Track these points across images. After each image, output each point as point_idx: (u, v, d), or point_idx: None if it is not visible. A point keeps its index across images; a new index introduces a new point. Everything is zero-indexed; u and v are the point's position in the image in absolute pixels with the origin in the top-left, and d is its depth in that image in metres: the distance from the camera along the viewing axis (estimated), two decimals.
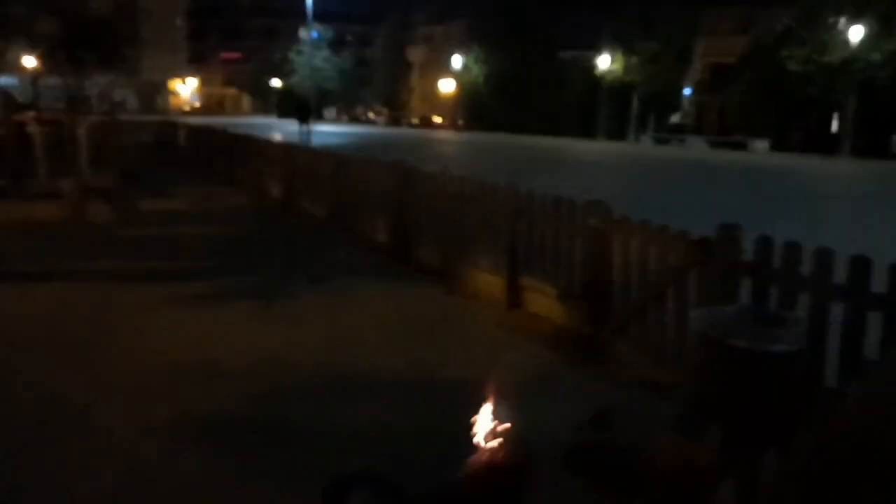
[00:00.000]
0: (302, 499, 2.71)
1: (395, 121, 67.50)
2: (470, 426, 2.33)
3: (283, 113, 68.11)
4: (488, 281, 5.98)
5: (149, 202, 10.61)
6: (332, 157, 9.53)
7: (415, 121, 66.66)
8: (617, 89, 45.52)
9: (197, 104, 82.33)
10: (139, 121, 23.01)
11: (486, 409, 2.32)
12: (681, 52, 45.32)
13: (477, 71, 55.20)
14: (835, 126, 37.53)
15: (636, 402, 3.78)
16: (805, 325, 3.17)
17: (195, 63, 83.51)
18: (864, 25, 32.98)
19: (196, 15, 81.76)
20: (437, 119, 64.78)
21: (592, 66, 46.92)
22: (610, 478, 2.91)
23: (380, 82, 68.30)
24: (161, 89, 79.63)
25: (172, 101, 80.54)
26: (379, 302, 5.84)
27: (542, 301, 5.38)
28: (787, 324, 2.95)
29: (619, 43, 44.26)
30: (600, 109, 47.38)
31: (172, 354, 4.42)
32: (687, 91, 49.79)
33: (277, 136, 19.90)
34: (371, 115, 73.23)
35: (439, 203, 6.80)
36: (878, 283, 3.15)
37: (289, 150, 11.26)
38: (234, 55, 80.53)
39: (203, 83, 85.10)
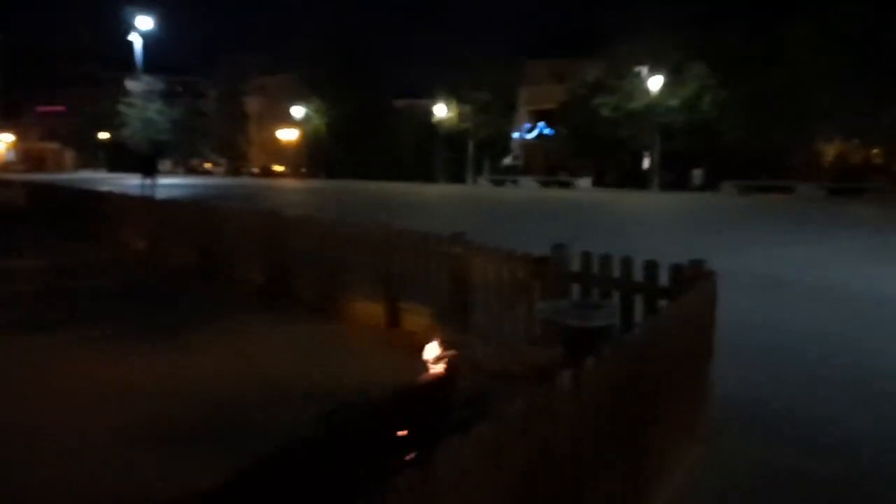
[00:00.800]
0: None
1: (234, 171, 66.64)
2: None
3: (115, 167, 65.11)
4: (368, 308, 6.91)
5: (13, 260, 10.51)
6: (203, 207, 10.06)
7: (255, 170, 66.23)
8: (453, 135, 48.29)
9: (15, 161, 76.24)
10: None
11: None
12: (508, 101, 49.05)
13: (318, 120, 56.21)
14: (645, 164, 42.28)
15: (494, 388, 4.86)
16: (616, 309, 4.45)
17: (9, 118, 77.50)
18: (661, 76, 37.78)
19: (7, 65, 76.20)
20: (278, 168, 64.83)
21: (429, 114, 49.52)
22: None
23: (217, 133, 67.23)
24: None
25: None
26: (271, 333, 6.55)
27: (418, 320, 6.39)
28: (604, 309, 4.20)
29: (452, 93, 47.13)
30: (438, 155, 49.92)
31: (99, 384, 4.95)
32: (515, 135, 53.78)
33: (121, 191, 19.60)
34: (207, 165, 71.74)
35: (317, 243, 7.67)
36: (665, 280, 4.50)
37: (154, 203, 11.56)
38: (55, 108, 75.77)
39: (20, 138, 79.08)
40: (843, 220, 20.22)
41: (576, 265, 5.07)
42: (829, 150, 38.05)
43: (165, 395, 4.77)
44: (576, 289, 5.05)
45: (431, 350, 3.43)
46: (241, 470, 2.72)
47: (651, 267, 4.61)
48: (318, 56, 55.84)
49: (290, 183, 46.90)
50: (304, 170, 60.33)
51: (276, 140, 66.28)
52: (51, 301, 8.13)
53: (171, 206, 11.04)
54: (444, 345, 3.46)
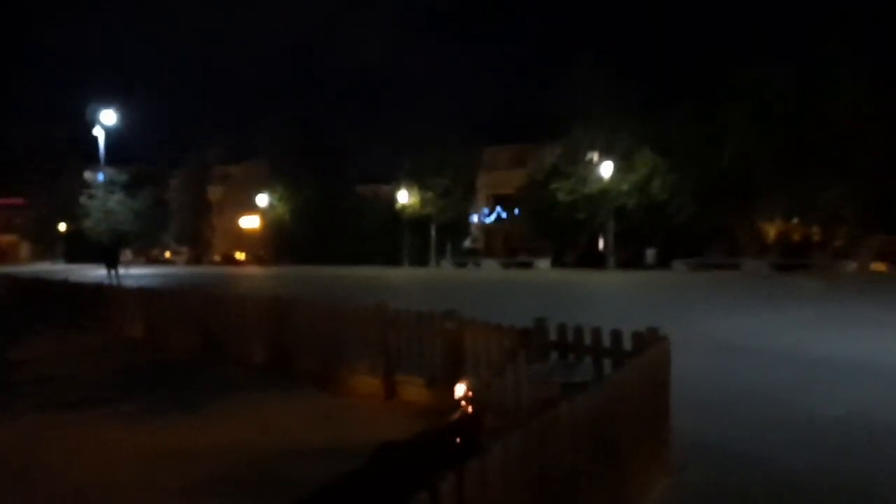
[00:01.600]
0: None
1: (196, 259, 66.81)
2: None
3: (73, 258, 64.74)
4: (366, 381, 7.69)
5: (12, 352, 10.99)
6: (205, 294, 10.80)
7: (216, 258, 66.55)
8: (416, 220, 49.78)
9: None
10: None
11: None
12: (468, 186, 51.06)
13: (282, 208, 57.36)
14: (601, 244, 44.13)
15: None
16: (590, 369, 5.39)
17: None
18: (612, 161, 40.11)
19: None
20: (240, 255, 65.31)
21: (393, 199, 51.11)
22: None
23: (180, 222, 67.73)
24: None
25: None
26: (280, 405, 7.25)
27: (413, 390, 7.20)
28: (580, 368, 5.14)
29: (415, 179, 48.93)
30: (402, 239, 51.23)
31: (148, 448, 5.63)
32: (475, 218, 55.64)
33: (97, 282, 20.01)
34: (168, 255, 71.79)
35: (318, 324, 8.48)
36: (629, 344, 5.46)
37: (153, 292, 12.20)
38: (12, 201, 75.47)
39: None
40: (787, 294, 21.66)
41: (553, 335, 6.03)
42: (773, 229, 40.46)
43: (207, 456, 5.49)
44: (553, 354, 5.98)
45: (459, 389, 4.30)
46: (306, 497, 3.46)
47: (616, 335, 5.58)
48: (281, 144, 57.50)
49: (254, 270, 47.36)
50: (265, 256, 60.92)
51: (238, 227, 67.07)
52: (66, 384, 8.65)
53: (172, 295, 11.69)
54: (470, 387, 4.32)
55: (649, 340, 5.14)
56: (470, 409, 4.13)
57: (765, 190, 35.93)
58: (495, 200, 55.92)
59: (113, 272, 28.47)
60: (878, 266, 35.87)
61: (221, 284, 26.88)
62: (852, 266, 35.47)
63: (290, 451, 5.64)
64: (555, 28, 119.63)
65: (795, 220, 39.61)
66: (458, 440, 3.79)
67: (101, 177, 63.57)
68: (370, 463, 3.70)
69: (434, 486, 2.34)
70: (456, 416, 4.08)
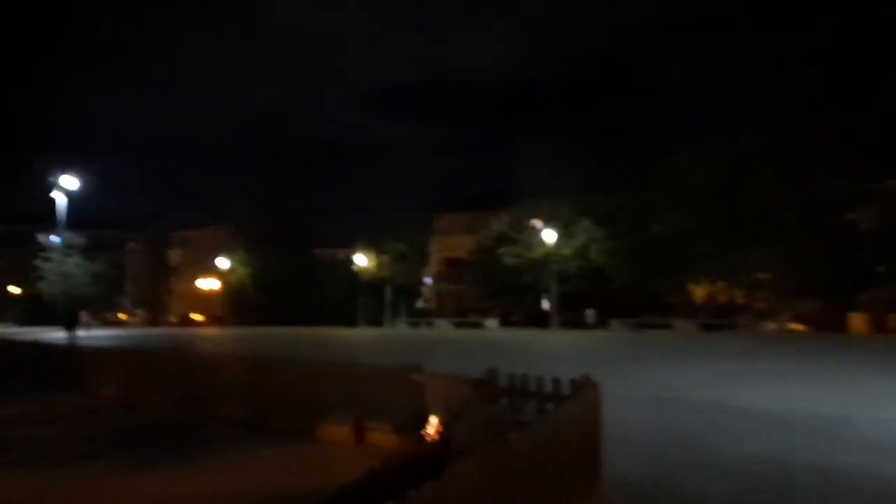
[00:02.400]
0: None
1: (153, 321, 67.18)
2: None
3: (27, 321, 64.33)
4: (337, 430, 9.03)
5: None
6: (183, 353, 11.86)
7: (173, 319, 66.98)
8: (372, 282, 51.97)
9: None
10: None
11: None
12: (422, 251, 53.76)
13: (242, 270, 58.90)
14: (545, 305, 46.93)
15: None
16: (535, 410, 7.44)
17: None
18: (554, 230, 43.32)
19: None
20: (198, 317, 65.92)
21: (350, 263, 53.34)
22: None
23: (138, 284, 68.30)
24: None
25: None
26: (262, 454, 8.02)
27: (381, 436, 8.57)
28: (526, 411, 7.28)
29: (372, 245, 51.36)
30: (358, 300, 53.18)
31: (154, 497, 6.38)
32: (428, 280, 58.13)
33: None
34: (122, 316, 71.80)
35: (294, 379, 9.96)
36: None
37: (125, 352, 12.80)
38: None
39: None
40: (714, 351, 23.32)
41: (503, 383, 7.19)
42: (701, 291, 43.89)
43: (211, 500, 6.40)
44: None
45: (432, 424, 6.22)
46: None
47: (557, 382, 6.67)
48: (242, 210, 59.34)
49: (214, 331, 48.29)
50: (224, 317, 61.88)
51: (195, 289, 67.93)
52: (48, 442, 8.94)
53: (148, 354, 12.23)
54: (440, 422, 6.09)
55: (583, 386, 6.20)
56: (439, 439, 5.83)
57: (692, 258, 39.40)
58: (448, 264, 58.67)
59: (71, 334, 28.54)
60: (796, 326, 39.29)
61: (188, 344, 28.12)
62: (773, 326, 38.82)
63: (274, 494, 6.43)
64: (502, 109, 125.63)
65: (721, 284, 43.08)
66: (430, 463, 4.88)
67: (58, 240, 63.94)
68: (360, 482, 4.37)
69: (411, 496, 2.91)
70: (428, 444, 5.77)
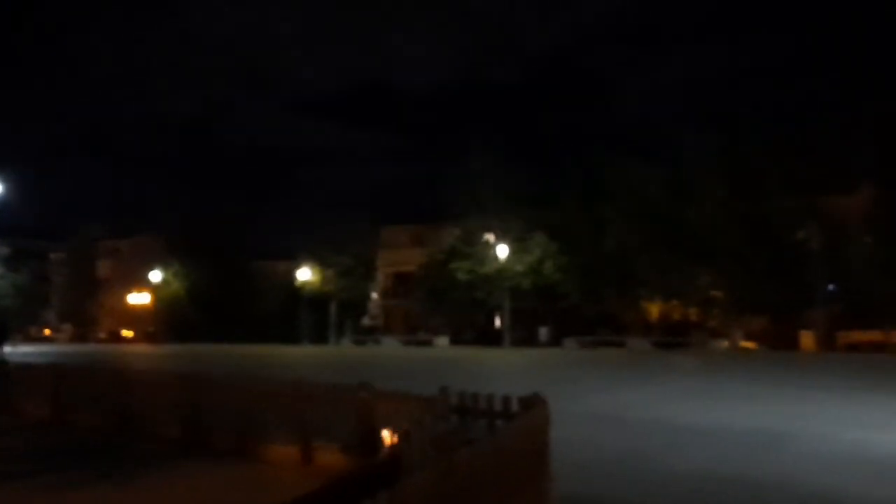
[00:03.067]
0: None
1: (81, 337, 63.61)
2: None
3: None
4: (284, 450, 8.26)
5: None
6: (117, 370, 11.01)
7: (102, 335, 63.71)
8: (316, 298, 49.96)
9: None
10: None
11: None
12: (367, 264, 52.01)
13: (177, 284, 56.06)
14: (497, 322, 45.76)
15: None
16: (484, 427, 6.34)
17: None
18: (507, 244, 42.26)
19: None
20: (128, 333, 62.82)
21: (291, 277, 51.18)
22: None
23: (64, 298, 64.58)
24: None
25: None
26: (201, 477, 7.68)
27: (329, 456, 7.85)
28: (477, 427, 6.08)
29: (315, 257, 49.41)
30: (301, 316, 51.09)
31: None
32: (374, 295, 56.36)
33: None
34: (47, 332, 67.97)
35: (235, 398, 9.00)
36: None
37: (59, 369, 12.17)
38: None
39: None
40: (665, 370, 23.56)
41: (454, 401, 6.95)
42: (655, 309, 43.47)
43: None
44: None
45: (386, 435, 5.12)
46: None
47: (506, 399, 6.56)
48: (176, 219, 56.77)
49: (145, 348, 45.71)
50: (156, 333, 58.84)
51: (126, 304, 64.62)
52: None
53: (83, 372, 11.75)
54: (393, 433, 5.16)
55: (533, 403, 6.15)
56: (391, 455, 4.97)
57: (644, 275, 38.93)
58: (395, 278, 56.93)
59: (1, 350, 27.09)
60: (748, 344, 39.21)
61: (117, 363, 26.11)
62: (725, 344, 38.59)
63: None
64: (449, 117, 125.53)
65: (674, 302, 42.76)
66: (382, 479, 4.61)
67: None
68: (314, 494, 4.47)
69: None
70: (382, 457, 4.91)
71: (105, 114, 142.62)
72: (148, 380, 10.46)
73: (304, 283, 50.37)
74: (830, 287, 38.11)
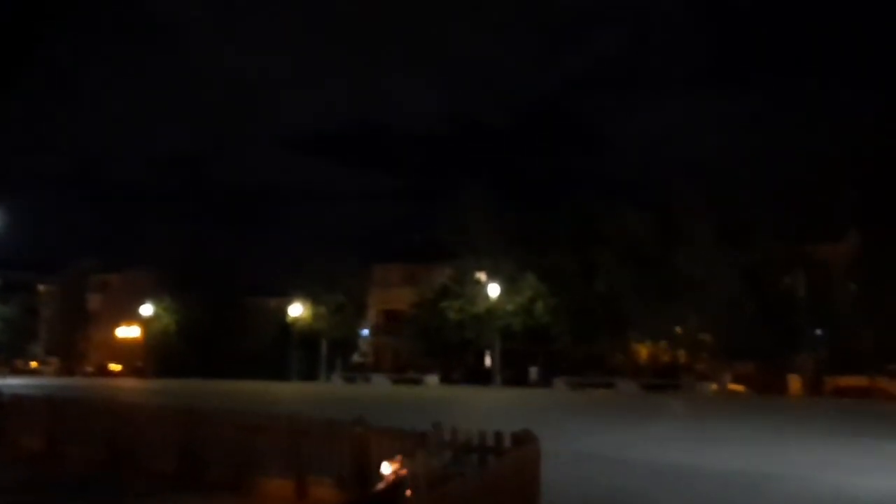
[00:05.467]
0: None
1: (68, 370, 63.02)
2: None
3: None
4: (279, 484, 8.45)
5: None
6: (113, 405, 11.14)
7: (89, 369, 63.12)
8: (306, 335, 49.88)
9: None
10: None
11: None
12: (358, 302, 52.07)
13: (167, 319, 55.87)
14: (488, 362, 45.78)
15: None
16: (476, 462, 6.58)
17: None
18: (498, 284, 42.54)
19: None
20: (115, 367, 62.27)
21: (283, 313, 51.13)
22: None
23: (53, 331, 64.15)
24: None
25: None
26: None
27: (324, 490, 8.05)
28: (468, 462, 6.34)
29: (306, 294, 49.47)
30: (292, 353, 50.92)
31: None
32: (364, 332, 56.26)
33: None
34: (34, 365, 67.32)
35: (230, 433, 9.18)
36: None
37: (54, 403, 12.21)
38: None
39: None
40: (653, 412, 23.68)
41: (447, 437, 7.19)
42: (644, 351, 43.66)
43: None
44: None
45: (385, 467, 5.36)
46: None
47: (499, 435, 6.86)
48: (167, 254, 56.74)
49: (133, 383, 45.34)
50: (144, 368, 58.36)
51: (115, 338, 64.15)
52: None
53: (78, 405, 11.82)
54: (394, 464, 5.41)
55: (524, 440, 6.43)
56: (393, 481, 5.21)
57: (633, 318, 39.24)
58: (386, 316, 56.90)
59: None
60: (736, 387, 39.38)
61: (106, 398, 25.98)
62: (713, 387, 38.73)
63: None
64: (441, 158, 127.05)
65: (663, 344, 42.97)
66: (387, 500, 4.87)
67: None
68: None
69: None
70: (384, 485, 5.15)
71: (97, 148, 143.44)
72: (143, 413, 10.60)
73: (296, 320, 50.30)
74: (818, 332, 38.53)
